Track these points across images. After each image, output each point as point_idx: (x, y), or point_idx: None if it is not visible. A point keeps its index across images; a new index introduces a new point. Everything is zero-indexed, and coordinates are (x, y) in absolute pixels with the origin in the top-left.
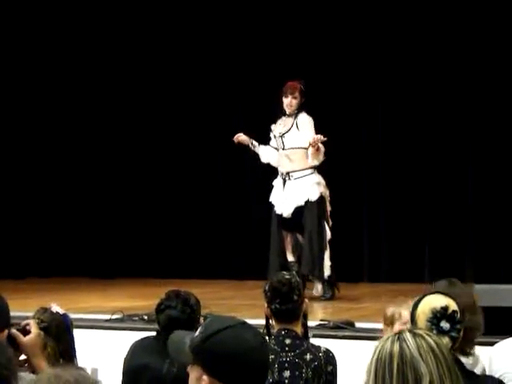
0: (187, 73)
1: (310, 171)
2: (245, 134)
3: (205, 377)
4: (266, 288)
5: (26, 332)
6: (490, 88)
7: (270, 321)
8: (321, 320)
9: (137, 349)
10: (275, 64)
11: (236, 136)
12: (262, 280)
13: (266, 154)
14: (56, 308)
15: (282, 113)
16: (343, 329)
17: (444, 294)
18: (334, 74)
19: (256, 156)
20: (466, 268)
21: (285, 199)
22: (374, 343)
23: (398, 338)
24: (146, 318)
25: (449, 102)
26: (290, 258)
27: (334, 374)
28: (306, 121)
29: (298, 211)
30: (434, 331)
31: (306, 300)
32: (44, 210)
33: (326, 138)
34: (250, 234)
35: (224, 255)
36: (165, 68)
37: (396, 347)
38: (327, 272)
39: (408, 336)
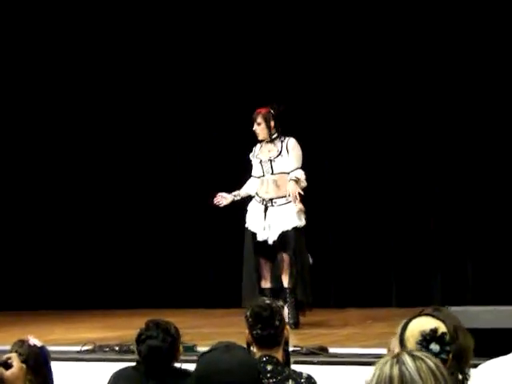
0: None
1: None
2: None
3: None
4: (248, 314)
5: (7, 366)
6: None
7: (251, 347)
8: (294, 346)
9: (116, 380)
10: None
11: (217, 201)
12: (228, 308)
13: (248, 190)
14: (33, 340)
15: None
16: (317, 354)
17: (432, 315)
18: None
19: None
20: (433, 292)
21: (268, 226)
22: (357, 368)
23: (397, 360)
24: (117, 348)
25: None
26: (266, 284)
27: None
28: (294, 147)
29: (284, 236)
30: None
31: (287, 326)
32: (8, 240)
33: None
34: (215, 262)
35: (189, 284)
36: (160, 77)
37: (395, 370)
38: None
39: (407, 359)
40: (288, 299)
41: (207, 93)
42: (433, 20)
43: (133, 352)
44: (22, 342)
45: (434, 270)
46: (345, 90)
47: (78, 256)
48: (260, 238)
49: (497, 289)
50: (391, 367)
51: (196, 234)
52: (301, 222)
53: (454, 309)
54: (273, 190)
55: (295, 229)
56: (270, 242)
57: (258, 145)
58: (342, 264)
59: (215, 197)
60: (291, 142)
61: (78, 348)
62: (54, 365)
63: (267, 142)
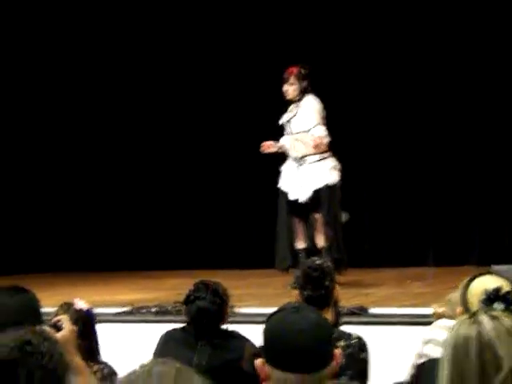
0: (188, 64)
1: (326, 155)
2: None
3: (260, 359)
4: (298, 274)
5: (58, 328)
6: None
7: None
8: None
9: (165, 341)
10: (279, 53)
11: (264, 148)
12: (262, 268)
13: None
14: (80, 304)
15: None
16: (357, 315)
17: (494, 274)
18: (340, 63)
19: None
20: (470, 250)
21: (301, 184)
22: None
23: (474, 320)
24: (154, 310)
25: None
26: (301, 245)
27: (367, 361)
28: (310, 103)
29: (316, 195)
30: None
31: (337, 286)
32: (41, 204)
33: (326, 140)
34: (249, 222)
35: (224, 245)
36: (166, 62)
37: (473, 331)
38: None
39: (484, 318)
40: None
41: (229, 65)
42: (444, 20)
43: (170, 313)
44: (69, 306)
45: (472, 228)
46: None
47: (113, 217)
48: (292, 197)
49: None
50: (468, 327)
51: (230, 193)
52: (333, 178)
53: (497, 267)
54: (300, 149)
55: (327, 186)
56: (302, 200)
57: (289, 106)
58: (377, 222)
59: (262, 145)
60: (306, 100)
61: (115, 310)
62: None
63: (293, 102)
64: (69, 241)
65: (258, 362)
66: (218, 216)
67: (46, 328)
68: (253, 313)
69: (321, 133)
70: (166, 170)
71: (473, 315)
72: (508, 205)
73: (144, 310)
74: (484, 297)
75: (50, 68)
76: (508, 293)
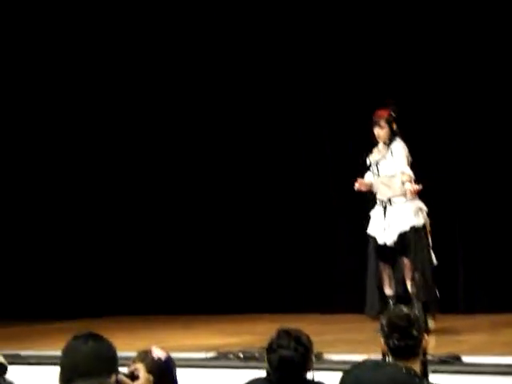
0: (189, 66)
1: (411, 197)
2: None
3: None
4: (384, 323)
5: (134, 377)
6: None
7: (387, 358)
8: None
9: None
10: (283, 52)
11: (359, 186)
12: (349, 313)
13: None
14: (158, 352)
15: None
16: (450, 363)
17: None
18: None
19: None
20: None
21: (387, 226)
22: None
23: None
24: (241, 355)
25: None
26: (389, 291)
27: None
28: (399, 148)
29: (402, 238)
30: None
31: (426, 336)
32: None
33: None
34: (335, 265)
35: (307, 288)
36: (167, 62)
37: None
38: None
39: None
40: (414, 304)
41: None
42: (445, 21)
43: (257, 359)
44: (146, 354)
45: None
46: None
47: (192, 260)
48: (380, 241)
49: None
50: None
51: (317, 238)
52: (419, 220)
53: None
54: (387, 191)
55: (414, 228)
56: (389, 243)
57: (376, 147)
58: (471, 264)
59: (356, 181)
60: (395, 146)
61: (199, 355)
62: (179, 372)
63: (385, 145)
64: (146, 283)
65: None
66: (301, 257)
67: (122, 377)
68: (342, 360)
69: (411, 174)
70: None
71: None
72: None
73: (230, 355)
74: None
75: (50, 69)
76: None
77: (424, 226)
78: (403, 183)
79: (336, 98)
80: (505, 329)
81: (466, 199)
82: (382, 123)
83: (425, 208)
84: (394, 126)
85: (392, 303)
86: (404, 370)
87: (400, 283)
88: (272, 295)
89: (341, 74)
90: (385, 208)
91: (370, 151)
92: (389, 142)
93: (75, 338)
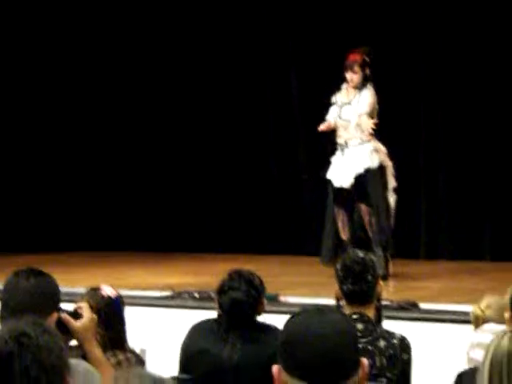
0: (185, 60)
1: (367, 138)
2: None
3: (276, 365)
4: (338, 267)
5: (77, 316)
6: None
7: (341, 303)
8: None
9: (196, 332)
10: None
11: (322, 128)
12: (314, 256)
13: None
14: (107, 290)
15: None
16: (407, 310)
17: None
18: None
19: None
20: None
21: (342, 169)
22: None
23: None
24: (196, 295)
25: None
26: (343, 236)
27: (409, 363)
28: (366, 95)
29: (359, 181)
30: None
31: (381, 281)
32: (90, 180)
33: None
34: (298, 211)
35: (273, 231)
36: (165, 58)
37: None
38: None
39: None
40: (373, 249)
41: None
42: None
43: (213, 300)
44: (95, 291)
45: None
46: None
47: (164, 199)
48: (336, 184)
49: None
50: (510, 341)
51: (282, 179)
52: (373, 162)
53: None
54: (344, 134)
55: (368, 171)
56: (345, 186)
57: (344, 86)
58: (434, 210)
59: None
60: (364, 92)
61: (156, 293)
62: (131, 310)
63: (355, 89)
64: (117, 219)
65: (275, 368)
66: (267, 203)
67: (65, 315)
68: (302, 302)
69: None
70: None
71: None
72: None
73: (185, 295)
74: None
75: (50, 64)
76: None
77: (380, 168)
78: (358, 125)
79: (306, 40)
80: (465, 276)
81: (431, 144)
82: (356, 68)
83: (383, 149)
84: (367, 71)
85: (348, 248)
86: (347, 318)
87: (361, 227)
88: (234, 235)
89: (311, 18)
90: (342, 151)
91: (338, 88)
92: (360, 87)
93: (15, 273)
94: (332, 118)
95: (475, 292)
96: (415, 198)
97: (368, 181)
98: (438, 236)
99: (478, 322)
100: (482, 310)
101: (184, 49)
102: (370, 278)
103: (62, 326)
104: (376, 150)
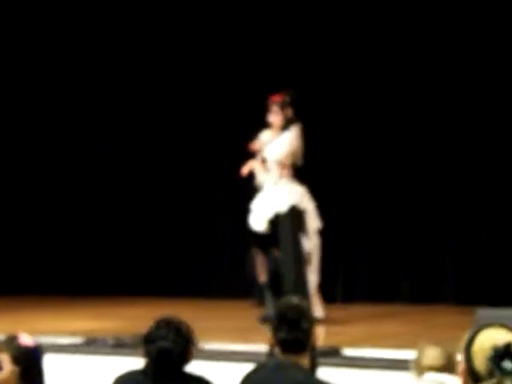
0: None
1: (283, 181)
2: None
3: None
4: (272, 314)
5: None
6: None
7: (274, 352)
8: None
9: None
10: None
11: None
12: (231, 299)
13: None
14: (25, 339)
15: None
16: (329, 356)
17: (505, 327)
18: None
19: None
20: (444, 287)
21: (258, 212)
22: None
23: None
24: (111, 342)
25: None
26: (262, 278)
27: None
28: (286, 136)
29: (271, 225)
30: (496, 372)
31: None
32: None
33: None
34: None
35: (185, 272)
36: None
37: None
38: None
39: None
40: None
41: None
42: (442, 18)
43: (129, 346)
44: (12, 340)
45: (449, 263)
46: (357, 81)
47: (65, 238)
48: (253, 226)
49: None
50: None
51: (197, 218)
52: (283, 206)
53: (483, 311)
54: (261, 175)
55: (278, 215)
56: (257, 229)
57: (269, 130)
58: (350, 255)
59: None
60: (286, 133)
61: (69, 340)
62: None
63: (279, 130)
64: (13, 261)
65: None
66: (181, 240)
67: None
68: (220, 350)
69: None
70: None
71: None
72: (488, 241)
73: (100, 342)
74: (492, 353)
75: (49, 68)
76: None
77: (293, 211)
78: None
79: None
80: (385, 320)
81: (347, 184)
82: (275, 108)
83: (301, 192)
84: (288, 112)
85: (267, 292)
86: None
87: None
88: (145, 277)
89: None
90: (260, 193)
91: (265, 127)
92: (283, 128)
93: None
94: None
95: (399, 336)
96: (332, 239)
97: (278, 225)
98: (355, 279)
99: (420, 370)
100: (427, 362)
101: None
102: (305, 325)
103: None
104: (288, 193)
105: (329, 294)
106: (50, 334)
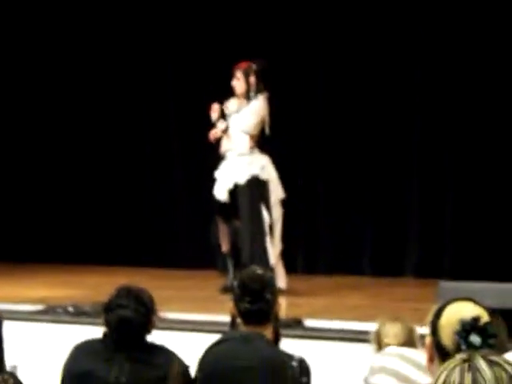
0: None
1: (245, 151)
2: None
3: None
4: (235, 284)
5: None
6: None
7: (236, 322)
8: None
9: (79, 353)
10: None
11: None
12: (189, 269)
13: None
14: None
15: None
16: (291, 327)
17: (473, 300)
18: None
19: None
20: (407, 260)
21: (221, 182)
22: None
23: (470, 366)
24: (71, 310)
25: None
26: (224, 248)
27: None
28: (252, 105)
29: (232, 195)
30: (463, 346)
31: (280, 300)
32: None
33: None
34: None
35: (146, 241)
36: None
37: (468, 379)
38: (272, 261)
39: (482, 364)
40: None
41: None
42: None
43: (88, 314)
44: None
45: (411, 237)
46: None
47: (27, 206)
48: (216, 196)
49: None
50: (462, 374)
51: (155, 186)
52: (244, 177)
53: (444, 284)
54: (225, 143)
55: (237, 186)
56: (220, 199)
57: (235, 98)
58: (311, 226)
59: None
60: (254, 102)
61: (27, 307)
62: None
63: (244, 98)
64: None
65: None
66: (139, 209)
67: None
68: (179, 319)
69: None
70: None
71: (467, 359)
72: (452, 214)
73: (60, 310)
74: (459, 327)
75: (49, 62)
76: (487, 324)
77: (254, 181)
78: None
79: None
80: (346, 291)
81: (310, 153)
82: (238, 74)
83: (262, 163)
84: (252, 80)
85: (229, 261)
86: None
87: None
88: (104, 245)
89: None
90: (223, 162)
91: (229, 97)
92: (248, 97)
93: None
94: (221, 126)
95: (362, 308)
96: (294, 209)
97: (237, 196)
98: (317, 250)
99: (380, 344)
100: (384, 337)
101: None
102: (269, 296)
103: None
104: (249, 163)
105: (291, 264)
106: (9, 301)
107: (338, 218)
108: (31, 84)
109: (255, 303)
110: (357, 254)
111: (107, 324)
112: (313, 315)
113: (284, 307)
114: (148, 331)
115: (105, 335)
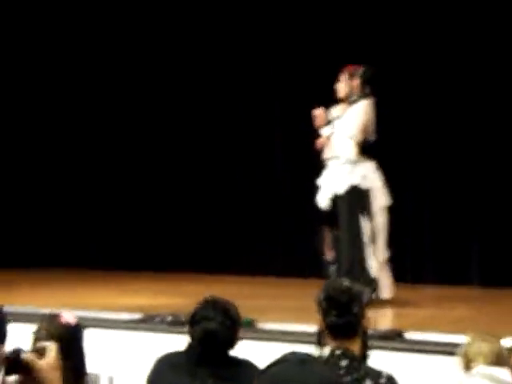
0: (188, 62)
1: (345, 160)
2: None
3: None
4: (321, 297)
5: (42, 354)
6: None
7: (323, 336)
8: None
9: (162, 366)
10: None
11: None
12: (290, 277)
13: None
14: (67, 317)
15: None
16: (391, 340)
17: None
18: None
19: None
20: None
21: (322, 191)
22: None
23: None
24: (170, 319)
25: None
26: (328, 256)
27: None
28: (359, 112)
29: (332, 204)
30: None
31: (367, 314)
32: (51, 194)
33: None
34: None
35: (248, 249)
36: (165, 60)
37: None
38: (373, 270)
39: None
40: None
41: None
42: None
43: (184, 325)
44: (53, 319)
45: None
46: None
47: (129, 215)
48: (319, 204)
49: None
50: None
51: (263, 195)
52: (341, 186)
53: None
54: (327, 151)
55: (337, 195)
56: (321, 206)
57: (339, 105)
58: (418, 235)
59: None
60: (357, 106)
61: (125, 316)
62: (99, 333)
63: (346, 102)
64: (86, 236)
65: None
66: (243, 218)
67: (27, 356)
68: (276, 329)
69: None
70: (190, 168)
71: None
72: None
73: (158, 319)
74: None
75: (50, 62)
76: None
77: (353, 192)
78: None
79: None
80: (453, 303)
81: (416, 167)
82: (342, 77)
83: (363, 170)
84: (356, 83)
85: (331, 270)
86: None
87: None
88: (206, 254)
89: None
90: (325, 170)
91: (333, 103)
92: (350, 101)
93: None
94: (326, 132)
95: (463, 321)
96: (400, 221)
97: (337, 206)
98: (424, 260)
99: (468, 364)
100: (472, 357)
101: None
102: (356, 309)
103: (17, 364)
104: (350, 173)
105: (400, 273)
106: (107, 309)
107: (444, 228)
108: (45, 88)
109: (342, 316)
110: (465, 264)
111: (191, 336)
112: (416, 326)
113: (388, 318)
114: (232, 346)
115: (188, 348)
